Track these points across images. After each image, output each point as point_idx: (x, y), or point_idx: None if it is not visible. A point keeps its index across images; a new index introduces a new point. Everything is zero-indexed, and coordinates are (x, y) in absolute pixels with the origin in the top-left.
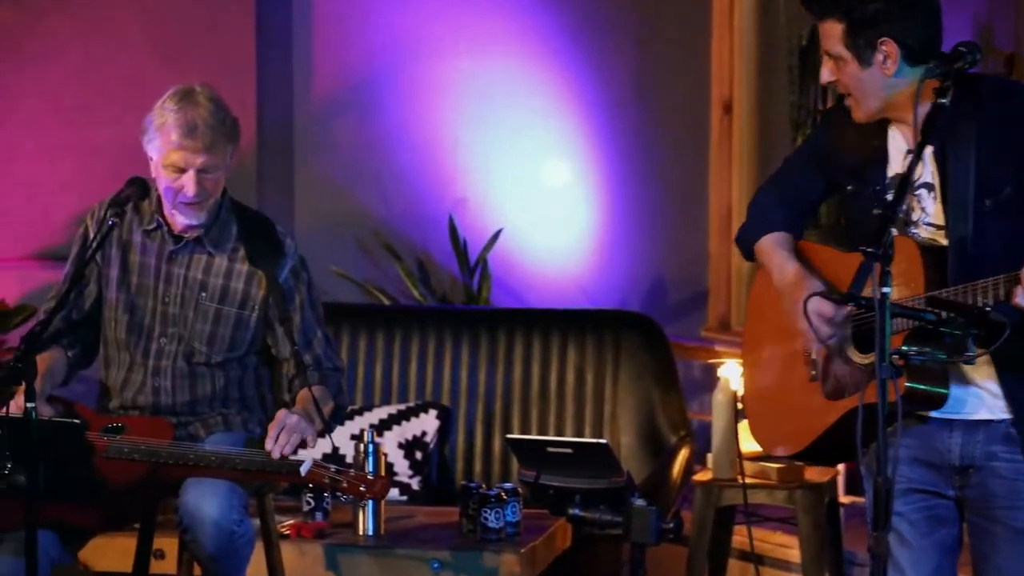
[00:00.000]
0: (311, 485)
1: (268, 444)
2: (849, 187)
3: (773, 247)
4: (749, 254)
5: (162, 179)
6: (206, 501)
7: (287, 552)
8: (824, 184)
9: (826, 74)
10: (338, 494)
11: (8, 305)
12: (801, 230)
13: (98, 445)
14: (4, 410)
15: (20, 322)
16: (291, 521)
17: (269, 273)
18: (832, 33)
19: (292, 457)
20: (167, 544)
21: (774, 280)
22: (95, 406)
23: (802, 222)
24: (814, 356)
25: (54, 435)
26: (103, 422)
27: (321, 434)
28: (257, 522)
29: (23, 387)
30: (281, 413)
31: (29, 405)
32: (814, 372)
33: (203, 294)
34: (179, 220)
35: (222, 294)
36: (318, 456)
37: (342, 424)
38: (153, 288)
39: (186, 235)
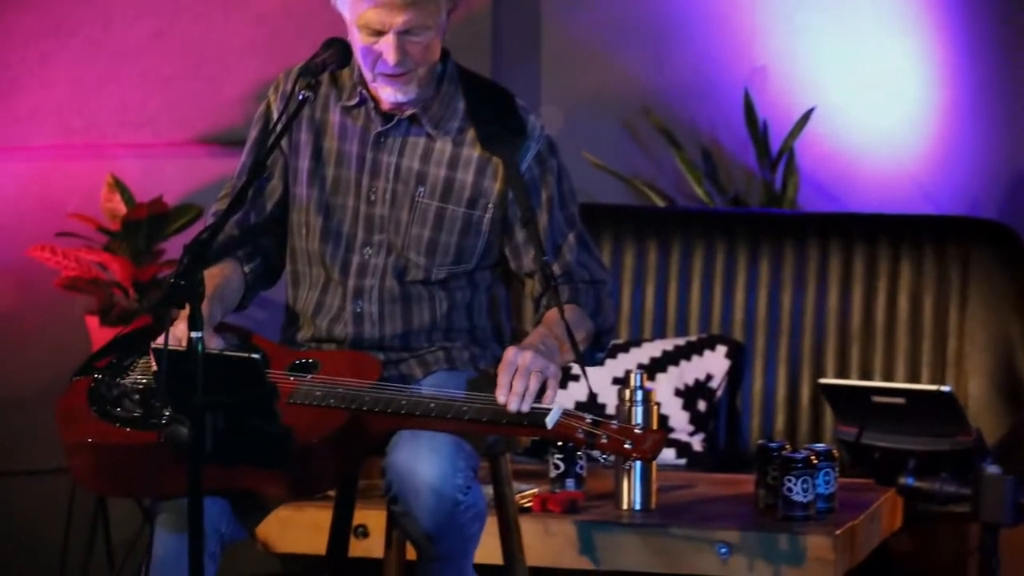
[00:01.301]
0: (560, 442)
1: (499, 395)
2: None
3: None
4: None
5: (357, 44)
6: (423, 462)
7: (529, 530)
8: None
9: None
10: (596, 454)
11: (167, 205)
12: None
13: (283, 387)
14: (162, 341)
15: (183, 226)
16: (534, 490)
17: (508, 160)
18: None
19: (536, 405)
20: (371, 518)
21: None
22: (280, 338)
23: None
24: None
25: (226, 374)
26: (289, 358)
27: (576, 362)
28: (490, 490)
29: (187, 312)
30: (510, 352)
31: (194, 335)
32: None
33: (421, 189)
34: (384, 95)
35: (445, 188)
36: (569, 404)
37: (603, 352)
38: (355, 182)
39: (398, 112)
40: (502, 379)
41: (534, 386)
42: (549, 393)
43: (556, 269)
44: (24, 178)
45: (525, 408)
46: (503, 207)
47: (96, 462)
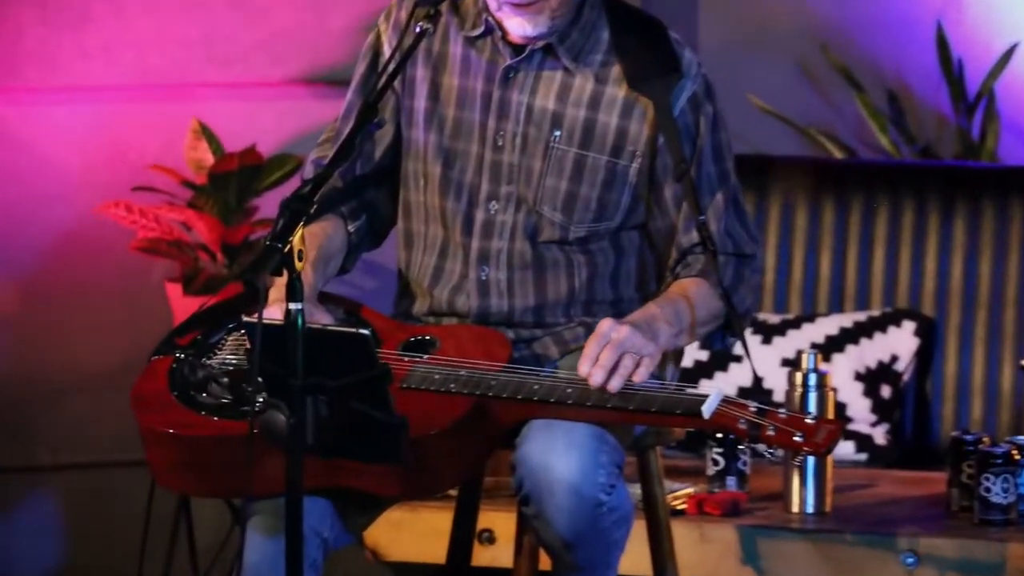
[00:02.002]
0: (719, 434)
1: (583, 367)
2: None
3: None
4: None
5: None
6: (559, 457)
7: (683, 536)
8: None
9: None
10: (761, 448)
11: (261, 154)
12: None
13: (396, 369)
14: (255, 314)
15: (280, 179)
16: (689, 490)
17: (659, 102)
18: None
19: (692, 391)
20: (498, 521)
21: None
22: (392, 311)
23: None
24: None
25: (330, 353)
26: (403, 334)
27: (704, 345)
28: (637, 490)
29: (284, 279)
30: (605, 323)
31: (292, 307)
32: None
33: (556, 133)
34: (511, 26)
35: (585, 133)
36: (731, 390)
37: (733, 337)
38: (479, 125)
39: (530, 43)
40: (589, 349)
41: (627, 366)
42: (641, 371)
43: (695, 235)
44: (95, 124)
45: (614, 386)
46: (651, 156)
47: (178, 456)
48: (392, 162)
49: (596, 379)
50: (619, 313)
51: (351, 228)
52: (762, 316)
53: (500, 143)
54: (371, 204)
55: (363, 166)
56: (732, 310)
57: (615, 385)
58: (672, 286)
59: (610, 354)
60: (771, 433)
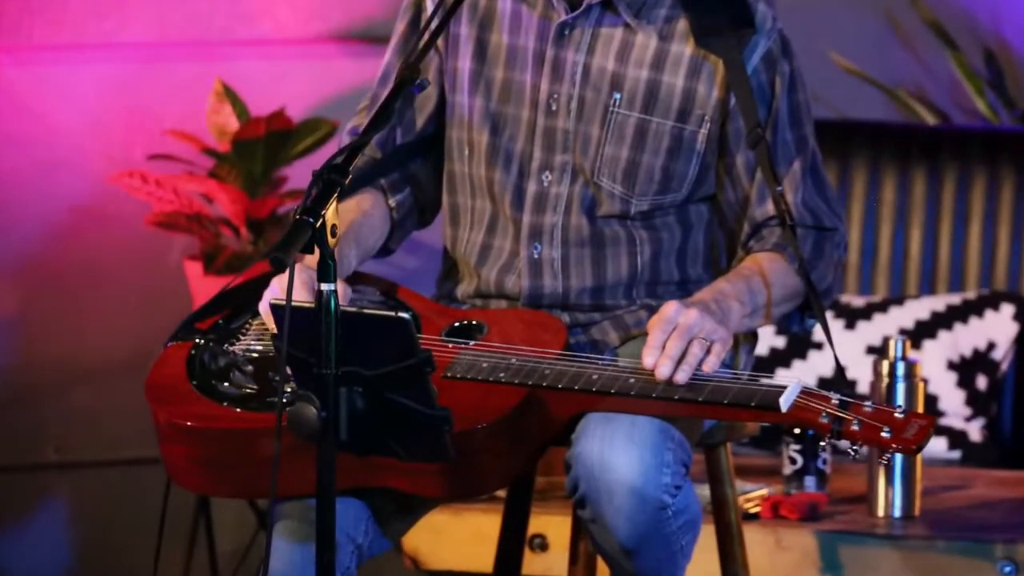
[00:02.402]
0: (798, 430)
1: (647, 358)
2: None
3: None
4: None
5: None
6: (619, 455)
7: (756, 541)
8: None
9: None
10: (844, 445)
11: (291, 119)
12: None
13: (439, 357)
14: (283, 296)
15: (311, 147)
16: (763, 491)
17: (730, 60)
18: None
19: (767, 381)
20: (551, 526)
21: None
22: (435, 292)
23: None
24: None
25: (366, 339)
26: (447, 319)
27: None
28: (705, 491)
29: (315, 258)
30: (670, 307)
31: (325, 288)
32: None
33: (616, 95)
34: None
35: (648, 96)
36: (810, 380)
37: (813, 320)
38: (530, 87)
39: None
40: (654, 337)
41: (696, 354)
42: (712, 359)
43: (769, 208)
44: (108, 86)
45: (681, 378)
46: (721, 121)
47: (197, 452)
48: (437, 130)
49: (663, 371)
50: (686, 294)
51: (392, 202)
52: (845, 299)
53: (554, 107)
54: (415, 177)
55: (404, 134)
56: (811, 287)
57: (683, 377)
58: (744, 261)
59: (677, 342)
60: (856, 428)
